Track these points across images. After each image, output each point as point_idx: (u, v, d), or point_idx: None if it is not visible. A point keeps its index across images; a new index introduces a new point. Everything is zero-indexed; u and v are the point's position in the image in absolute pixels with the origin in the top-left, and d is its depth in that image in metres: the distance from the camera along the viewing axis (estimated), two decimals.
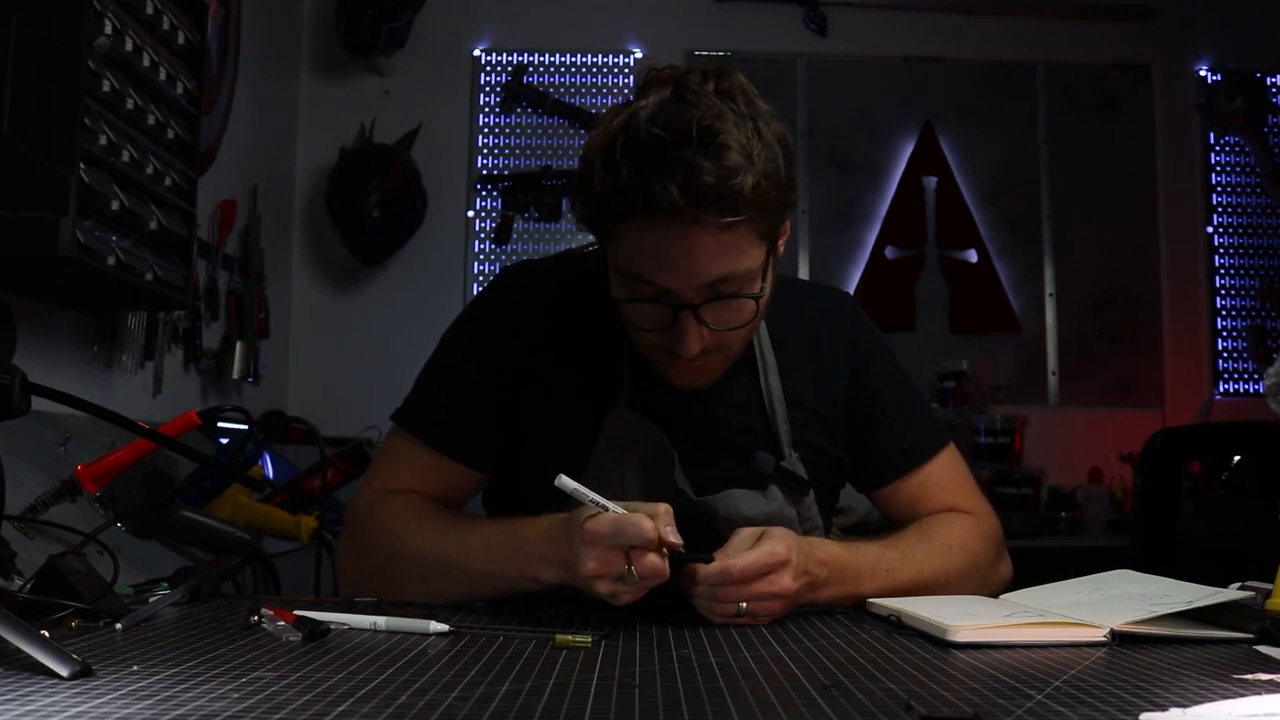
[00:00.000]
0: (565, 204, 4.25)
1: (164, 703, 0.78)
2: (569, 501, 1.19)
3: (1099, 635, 1.09)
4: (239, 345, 3.30)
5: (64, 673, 0.85)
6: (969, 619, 1.11)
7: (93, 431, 2.00)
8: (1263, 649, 1.05)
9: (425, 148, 4.17)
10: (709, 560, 1.19)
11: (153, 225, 2.20)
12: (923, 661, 1.00)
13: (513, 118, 4.36)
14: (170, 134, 2.29)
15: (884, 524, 1.54)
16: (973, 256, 4.41)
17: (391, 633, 1.11)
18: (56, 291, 2.27)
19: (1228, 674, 0.93)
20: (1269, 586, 1.12)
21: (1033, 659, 1.00)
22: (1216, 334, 4.46)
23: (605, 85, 4.38)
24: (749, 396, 1.43)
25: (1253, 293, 4.47)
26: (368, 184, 3.90)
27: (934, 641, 1.09)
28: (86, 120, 1.89)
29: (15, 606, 1.05)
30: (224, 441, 2.66)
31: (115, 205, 2.02)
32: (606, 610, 1.19)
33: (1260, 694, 0.82)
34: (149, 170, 2.18)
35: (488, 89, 4.36)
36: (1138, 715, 0.76)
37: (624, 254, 1.27)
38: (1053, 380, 4.38)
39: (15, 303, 1.83)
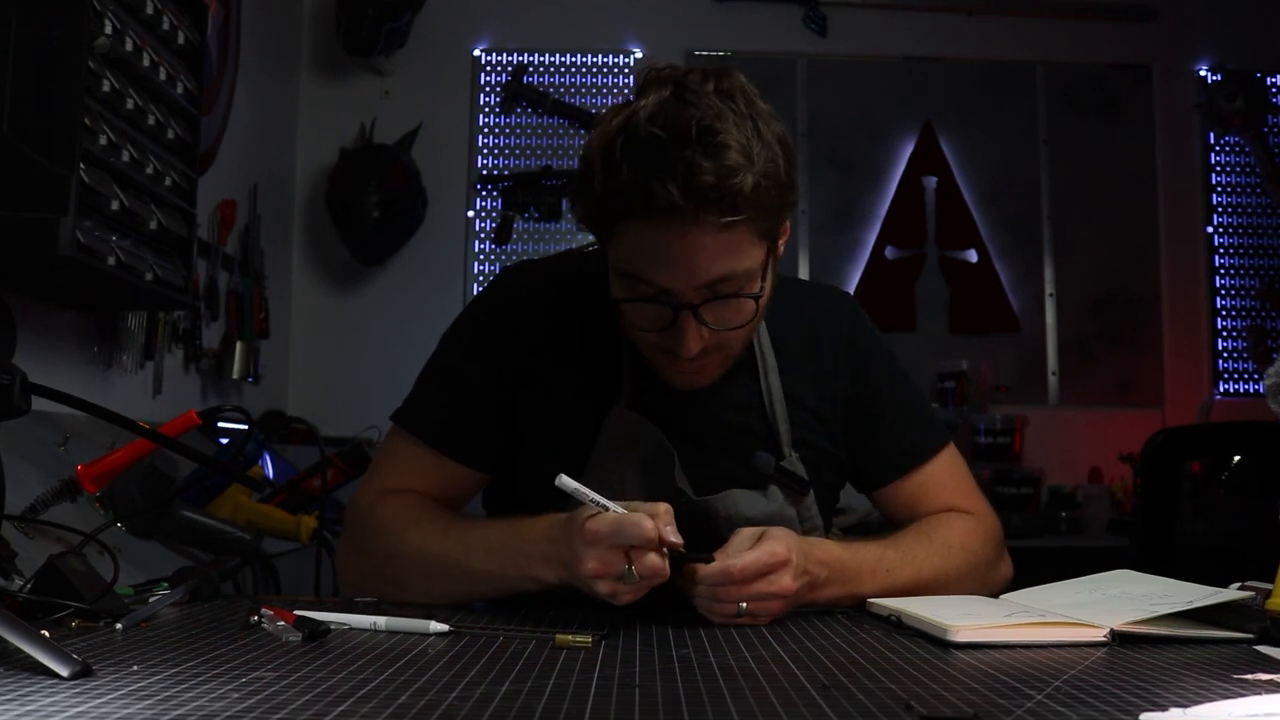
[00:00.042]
0: (565, 204, 4.25)
1: (164, 703, 0.78)
2: (569, 501, 1.19)
3: (1099, 635, 1.09)
4: (239, 345, 3.30)
5: (64, 673, 0.85)
6: (969, 619, 1.11)
7: (93, 431, 2.00)
8: (1263, 649, 1.05)
9: (425, 148, 4.17)
10: (709, 560, 1.19)
11: (153, 225, 2.20)
12: (923, 661, 1.00)
13: (513, 118, 4.36)
14: (170, 134, 2.29)
15: (884, 524, 1.54)
16: (973, 256, 4.41)
17: (391, 633, 1.11)
18: (56, 291, 2.27)
19: (1228, 674, 0.93)
20: (1269, 586, 1.12)
21: (1033, 659, 1.00)
22: (1216, 334, 4.46)
23: (605, 85, 4.38)
24: (749, 396, 1.43)
25: (1253, 293, 4.47)
26: (368, 184, 3.90)
27: (934, 641, 1.09)
28: (86, 120, 1.89)
29: (15, 606, 1.05)
30: (224, 441, 2.66)
31: (115, 205, 2.02)
32: (606, 610, 1.19)
33: (1260, 694, 0.82)
34: (149, 170, 2.18)
35: (488, 89, 4.36)
36: (1138, 715, 0.76)
37: (624, 254, 1.27)
38: (1053, 380, 4.38)
39: (15, 303, 1.83)
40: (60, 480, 1.44)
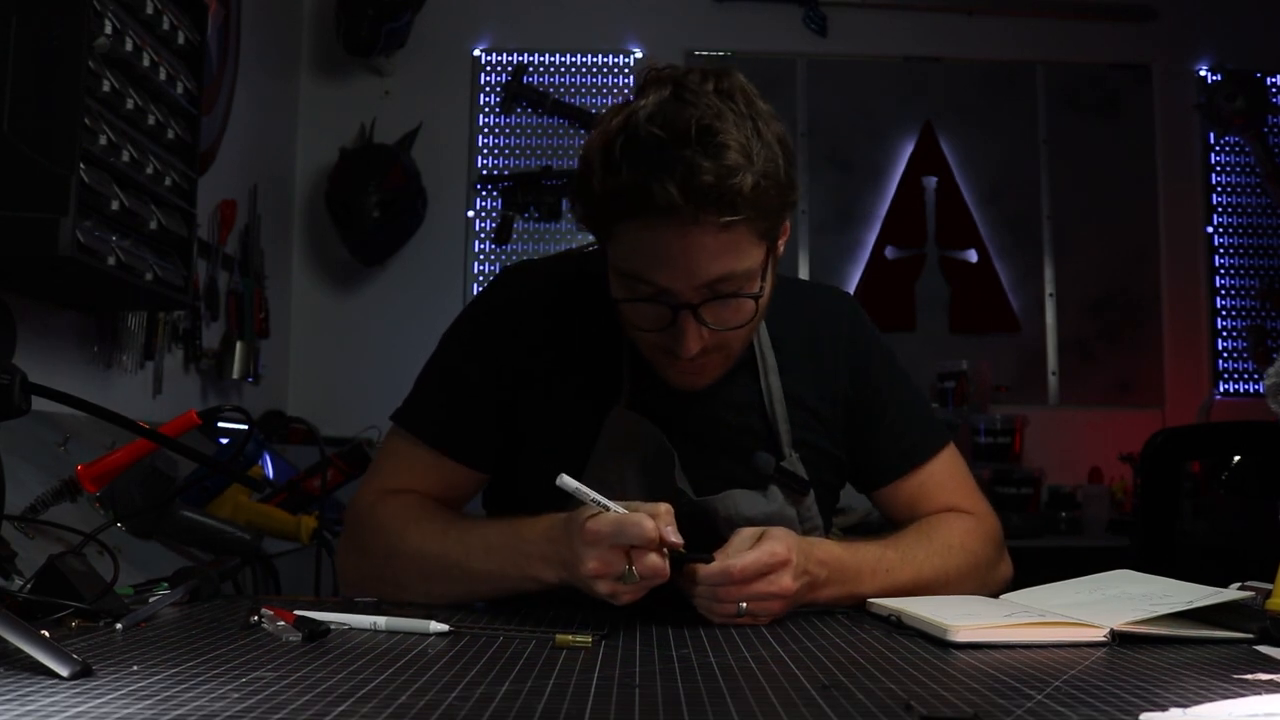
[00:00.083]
0: (565, 204, 4.25)
1: (164, 703, 0.78)
2: (569, 501, 1.19)
3: (1099, 635, 1.09)
4: (239, 345, 3.30)
5: (64, 673, 0.85)
6: (969, 619, 1.11)
7: (93, 431, 2.00)
8: (1263, 649, 1.05)
9: (425, 148, 4.17)
10: (709, 560, 1.19)
11: (153, 225, 2.20)
12: (923, 661, 1.00)
13: (513, 118, 4.36)
14: (170, 134, 2.29)
15: (884, 524, 1.54)
16: (973, 256, 4.41)
17: (391, 633, 1.11)
18: (56, 291, 2.27)
19: (1228, 674, 0.93)
20: (1269, 586, 1.12)
21: (1033, 659, 1.00)
22: (1216, 334, 4.46)
23: (605, 85, 4.38)
24: (749, 396, 1.43)
25: (1253, 293, 4.47)
26: (368, 184, 3.90)
27: (934, 641, 1.09)
28: (86, 120, 1.89)
29: (15, 606, 1.05)
30: (224, 441, 2.66)
31: (115, 205, 2.02)
32: (606, 610, 1.19)
33: (1260, 694, 0.82)
34: (149, 170, 2.18)
35: (488, 89, 4.36)
36: (1138, 715, 0.76)
37: (623, 254, 1.27)
38: (1053, 380, 4.38)
39: (15, 303, 1.83)
40: (60, 480, 1.44)
